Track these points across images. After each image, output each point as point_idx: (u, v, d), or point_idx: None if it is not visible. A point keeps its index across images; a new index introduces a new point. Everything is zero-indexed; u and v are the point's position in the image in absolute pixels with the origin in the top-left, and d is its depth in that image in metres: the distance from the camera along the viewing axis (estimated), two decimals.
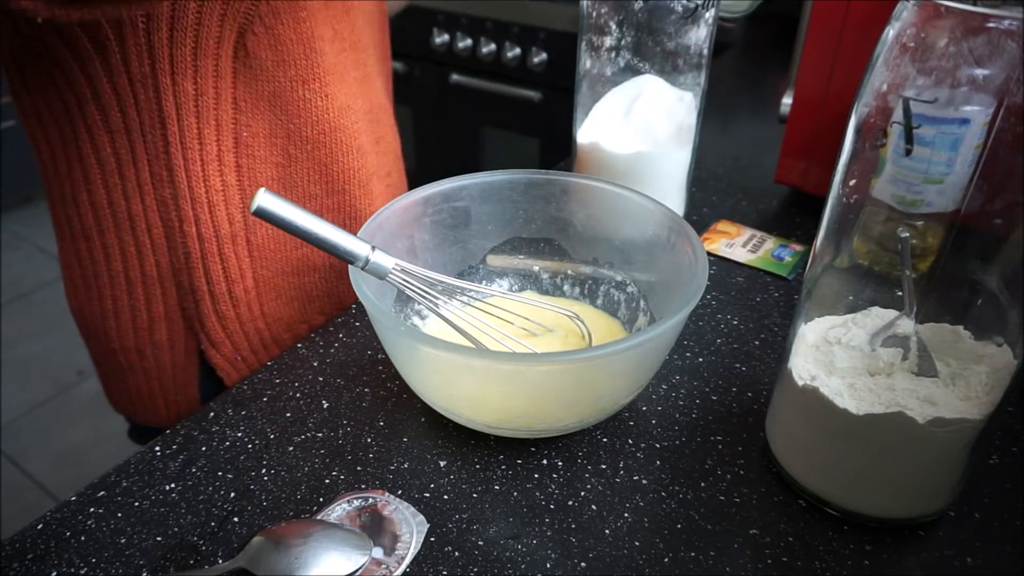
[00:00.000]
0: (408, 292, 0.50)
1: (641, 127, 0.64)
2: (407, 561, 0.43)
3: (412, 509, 0.46)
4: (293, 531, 0.43)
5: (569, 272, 0.61)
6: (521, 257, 0.62)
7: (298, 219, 0.46)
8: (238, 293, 0.63)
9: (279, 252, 0.64)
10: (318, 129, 0.62)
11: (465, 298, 0.59)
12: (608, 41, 0.62)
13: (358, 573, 0.42)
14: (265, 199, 0.45)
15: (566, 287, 0.62)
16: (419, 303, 0.51)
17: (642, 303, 0.57)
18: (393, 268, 0.48)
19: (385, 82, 0.74)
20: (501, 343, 0.52)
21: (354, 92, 0.65)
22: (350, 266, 0.48)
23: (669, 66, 0.63)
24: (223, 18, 0.54)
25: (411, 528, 0.44)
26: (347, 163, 0.65)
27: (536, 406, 0.47)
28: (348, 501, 0.46)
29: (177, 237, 0.61)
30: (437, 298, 0.52)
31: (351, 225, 0.68)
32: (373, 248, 0.48)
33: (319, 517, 0.45)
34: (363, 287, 0.46)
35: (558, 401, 0.47)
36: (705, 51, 0.63)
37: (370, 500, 0.46)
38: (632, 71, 0.64)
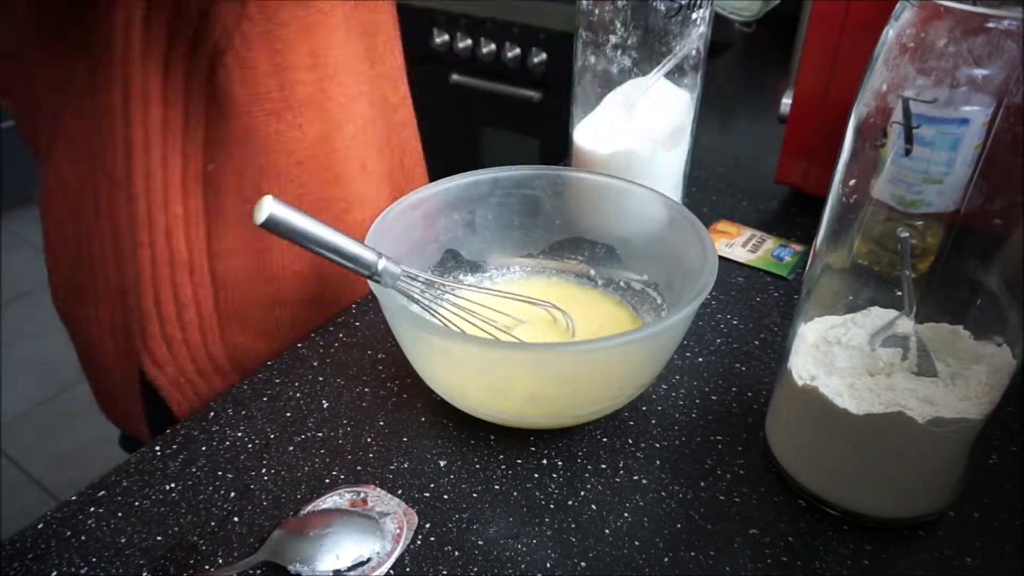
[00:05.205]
0: (415, 298, 0.51)
1: (637, 127, 0.64)
2: (395, 555, 0.43)
3: (404, 505, 0.46)
4: (313, 522, 0.44)
5: (622, 283, 0.61)
6: (579, 259, 0.62)
7: (309, 228, 0.44)
8: (188, 318, 0.62)
9: (246, 284, 0.62)
10: (291, 160, 0.59)
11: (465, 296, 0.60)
12: (608, 40, 0.62)
13: (348, 567, 0.42)
14: (273, 208, 0.42)
15: (617, 296, 0.61)
16: (424, 307, 0.52)
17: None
18: (401, 274, 0.48)
19: (382, 98, 0.69)
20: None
21: (335, 118, 0.62)
22: None
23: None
24: (193, 48, 0.53)
25: (401, 522, 0.45)
26: (322, 194, 0.62)
27: (549, 392, 0.48)
28: (339, 494, 0.46)
29: (128, 259, 0.60)
30: (442, 303, 0.52)
31: (324, 267, 0.63)
32: (380, 255, 0.47)
33: (309, 508, 0.45)
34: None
35: (564, 391, 0.48)
36: (701, 52, 0.63)
37: (361, 494, 0.46)
38: (629, 71, 0.64)
